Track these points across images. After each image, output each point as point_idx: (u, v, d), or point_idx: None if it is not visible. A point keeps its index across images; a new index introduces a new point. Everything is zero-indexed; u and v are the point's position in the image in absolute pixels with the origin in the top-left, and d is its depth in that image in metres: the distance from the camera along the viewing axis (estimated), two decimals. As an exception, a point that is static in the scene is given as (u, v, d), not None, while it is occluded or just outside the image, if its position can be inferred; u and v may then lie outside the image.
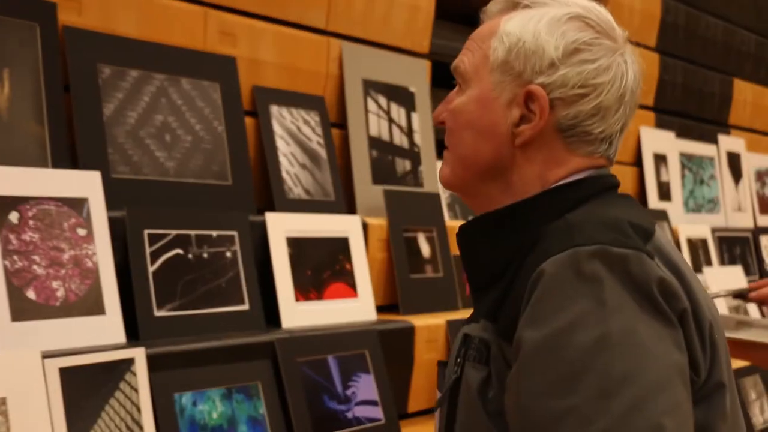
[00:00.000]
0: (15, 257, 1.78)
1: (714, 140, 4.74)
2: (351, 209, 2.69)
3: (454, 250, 2.87)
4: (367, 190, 2.74)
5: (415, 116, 2.98)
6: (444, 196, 3.02)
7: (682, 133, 4.55)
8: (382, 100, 2.87)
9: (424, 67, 3.06)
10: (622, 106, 1.14)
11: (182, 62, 2.29)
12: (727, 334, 1.43)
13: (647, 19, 4.28)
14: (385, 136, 2.86)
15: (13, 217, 1.80)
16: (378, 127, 2.84)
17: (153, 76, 2.23)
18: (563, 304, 0.97)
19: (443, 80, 3.27)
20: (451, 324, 2.59)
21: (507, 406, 1.03)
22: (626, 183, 4.14)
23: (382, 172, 2.81)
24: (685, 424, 0.97)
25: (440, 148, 3.05)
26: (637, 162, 4.23)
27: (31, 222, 1.83)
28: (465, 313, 2.39)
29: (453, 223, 2.94)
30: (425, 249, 2.77)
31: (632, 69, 1.16)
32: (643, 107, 4.30)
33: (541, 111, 1.11)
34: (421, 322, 2.53)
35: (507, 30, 1.14)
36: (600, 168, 1.16)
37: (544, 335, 0.97)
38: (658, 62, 4.36)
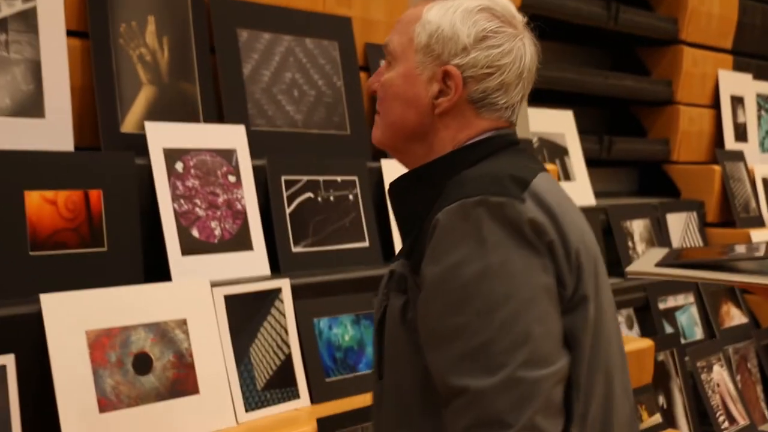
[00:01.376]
0: (181, 201, 2.08)
1: (791, 81, 4.85)
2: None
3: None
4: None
5: (508, 66, 3.19)
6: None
7: (760, 75, 4.67)
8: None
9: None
10: (521, 82, 1.38)
11: (306, 24, 2.54)
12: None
13: (728, -37, 4.38)
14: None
15: (179, 166, 2.10)
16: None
17: (282, 37, 2.48)
18: (453, 245, 1.26)
19: (543, 33, 3.49)
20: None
21: (418, 324, 1.32)
22: (704, 124, 4.31)
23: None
24: (551, 330, 1.25)
25: (532, 97, 3.27)
26: (715, 104, 4.37)
27: (192, 170, 2.12)
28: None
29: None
30: (519, 191, 3.01)
31: (529, 51, 1.39)
32: (721, 50, 4.43)
33: (455, 87, 1.35)
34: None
35: (428, 18, 1.37)
36: (502, 129, 1.40)
37: (440, 270, 1.26)
38: (737, 5, 4.47)
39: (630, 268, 2.14)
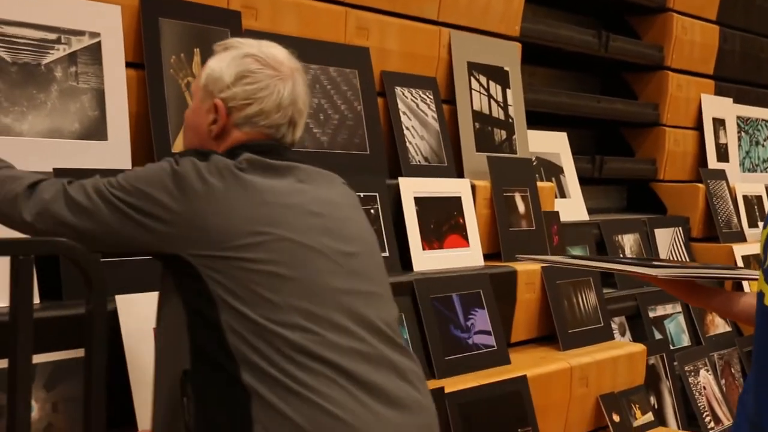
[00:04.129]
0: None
1: (769, 104, 5.15)
2: (459, 173, 3.19)
3: (545, 207, 3.37)
4: (472, 157, 3.25)
5: (509, 92, 3.47)
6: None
7: (740, 99, 4.97)
8: (483, 79, 3.36)
9: (516, 48, 3.53)
10: (282, 110, 1.71)
11: (329, 54, 2.80)
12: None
13: (709, -5, 4.69)
14: (485, 110, 3.36)
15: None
16: (480, 102, 3.33)
17: (309, 66, 2.74)
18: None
19: (536, 59, 3.77)
20: (544, 269, 3.10)
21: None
22: (688, 145, 4.60)
23: (483, 141, 3.31)
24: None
25: (529, 119, 3.55)
26: (698, 126, 4.66)
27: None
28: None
29: (543, 185, 3.44)
30: (521, 206, 3.27)
31: (289, 88, 1.72)
32: (703, 75, 4.73)
33: (221, 115, 1.70)
34: (521, 267, 3.04)
35: (209, 65, 1.74)
36: (255, 140, 1.70)
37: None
38: (718, 33, 4.77)
39: (521, 256, 2.48)
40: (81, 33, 2.20)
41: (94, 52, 2.22)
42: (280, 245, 1.56)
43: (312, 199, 1.65)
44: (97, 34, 2.22)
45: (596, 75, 4.60)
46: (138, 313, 1.97)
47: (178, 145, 2.36)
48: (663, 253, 4.18)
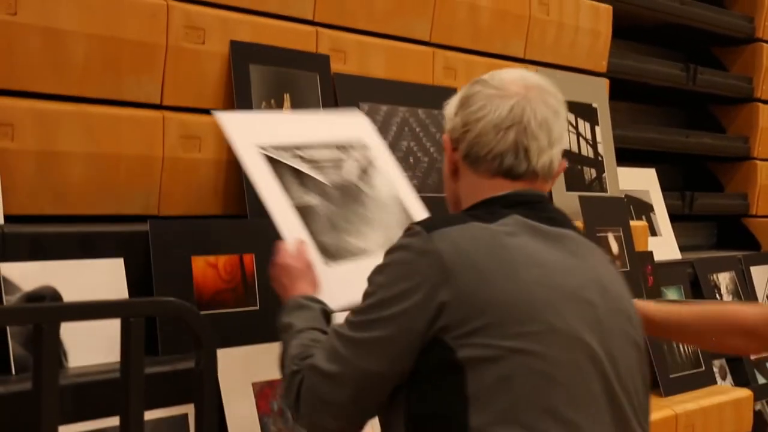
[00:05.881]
0: (321, 262, 2.26)
1: None
2: (550, 213, 3.09)
3: (638, 246, 3.25)
4: (563, 196, 3.15)
5: (597, 129, 3.37)
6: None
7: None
8: (571, 117, 3.27)
9: (604, 84, 3.44)
10: (501, 131, 1.52)
11: (417, 95, 2.75)
12: None
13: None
14: (574, 148, 3.26)
15: (317, 230, 2.28)
16: (569, 140, 3.24)
17: (398, 109, 2.69)
18: None
19: (619, 94, 3.68)
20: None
21: None
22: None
23: (573, 180, 3.21)
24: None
25: (619, 156, 3.44)
26: (790, 158, 4.49)
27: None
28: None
29: (635, 224, 3.32)
30: (614, 246, 3.15)
31: (509, 105, 1.52)
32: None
33: (447, 148, 1.59)
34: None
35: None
36: (511, 191, 1.53)
37: None
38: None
39: None
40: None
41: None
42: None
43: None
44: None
45: (682, 108, 4.46)
46: (236, 368, 1.92)
47: (270, 193, 2.31)
48: (760, 292, 4.01)
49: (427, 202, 2.68)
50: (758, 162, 4.30)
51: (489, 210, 1.51)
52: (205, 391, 1.39)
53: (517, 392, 1.36)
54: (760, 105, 4.31)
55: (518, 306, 1.40)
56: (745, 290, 3.93)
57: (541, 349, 1.38)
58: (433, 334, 1.39)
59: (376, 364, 1.43)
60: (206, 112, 2.28)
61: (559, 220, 1.55)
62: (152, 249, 1.97)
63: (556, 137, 1.55)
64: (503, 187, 1.54)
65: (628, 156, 3.78)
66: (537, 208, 1.53)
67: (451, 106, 1.60)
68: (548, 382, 1.37)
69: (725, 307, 1.91)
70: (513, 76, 1.58)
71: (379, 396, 1.46)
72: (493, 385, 1.36)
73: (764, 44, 4.31)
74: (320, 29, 2.53)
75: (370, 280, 1.48)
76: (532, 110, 1.52)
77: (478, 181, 1.56)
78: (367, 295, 1.47)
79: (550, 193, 3.11)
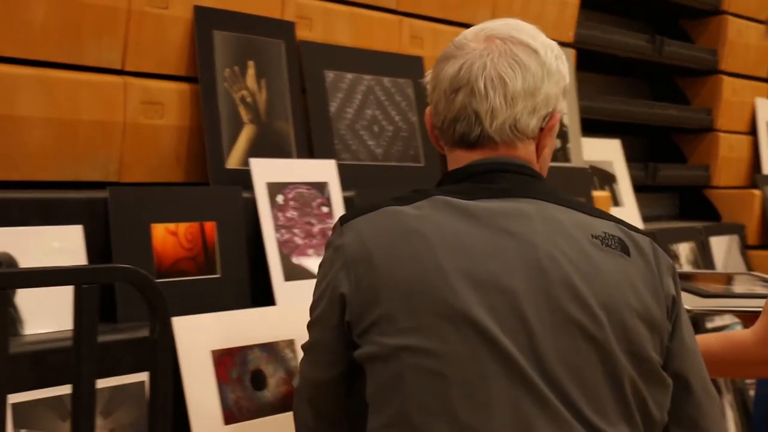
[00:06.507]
0: (282, 230, 2.26)
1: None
2: (514, 183, 3.11)
3: (600, 217, 3.27)
4: (527, 167, 3.16)
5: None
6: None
7: (795, 102, 4.83)
8: (537, 87, 3.27)
9: (570, 55, 3.44)
10: (451, 95, 1.42)
11: (383, 64, 2.73)
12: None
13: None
14: (539, 118, 3.27)
15: (279, 198, 2.28)
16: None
17: (363, 77, 2.68)
18: None
19: (586, 65, 3.68)
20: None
21: None
22: (742, 151, 4.47)
23: (537, 150, 3.22)
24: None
25: (584, 127, 3.46)
26: (752, 131, 4.54)
27: (291, 202, 2.30)
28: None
29: (598, 194, 3.35)
30: (576, 217, 3.18)
31: (457, 66, 1.42)
32: (758, 79, 4.60)
33: (427, 124, 1.53)
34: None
35: None
36: (476, 160, 1.44)
37: None
38: (773, 35, 4.64)
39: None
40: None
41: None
42: None
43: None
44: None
45: (647, 80, 4.48)
46: (194, 336, 1.92)
47: (232, 160, 2.31)
48: (719, 262, 4.07)
49: (392, 170, 2.69)
50: (720, 134, 4.35)
51: (424, 189, 1.42)
52: (159, 360, 1.40)
53: (409, 393, 1.27)
54: (724, 77, 4.34)
55: (412, 298, 1.29)
56: (704, 260, 3.99)
57: (434, 346, 1.27)
58: (347, 333, 1.36)
59: (314, 372, 1.45)
60: (169, 78, 2.26)
61: (512, 189, 1.39)
62: (111, 216, 1.96)
63: (519, 93, 1.39)
64: (461, 159, 1.44)
65: (593, 127, 3.80)
66: (484, 179, 1.40)
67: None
68: (442, 381, 1.27)
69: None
70: (477, 28, 1.47)
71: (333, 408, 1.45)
72: (387, 385, 1.30)
73: (729, 16, 4.33)
74: (286, -5, 2.51)
75: None
76: (482, 66, 1.39)
77: (448, 154, 1.48)
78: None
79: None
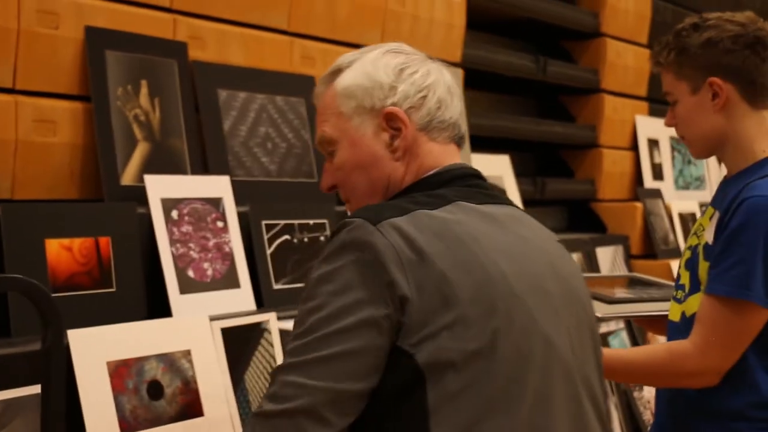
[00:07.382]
0: (178, 245, 2.31)
1: (700, 124, 5.29)
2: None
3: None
4: (418, 182, 3.28)
5: (452, 117, 3.52)
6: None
7: (672, 119, 5.10)
8: (426, 105, 3.41)
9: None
10: (453, 96, 1.45)
11: (276, 83, 2.82)
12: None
13: (640, 18, 4.82)
14: (429, 135, 3.40)
15: (174, 214, 2.34)
16: (424, 127, 3.37)
17: (256, 96, 2.75)
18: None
19: (474, 84, 3.84)
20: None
21: None
22: (625, 165, 4.71)
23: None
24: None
25: (474, 144, 3.60)
26: (633, 146, 4.79)
27: (186, 218, 2.36)
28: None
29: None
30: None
31: (444, 70, 1.47)
32: (637, 98, 4.86)
33: (403, 122, 1.41)
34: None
35: (343, 85, 1.43)
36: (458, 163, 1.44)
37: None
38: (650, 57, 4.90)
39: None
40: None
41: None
42: None
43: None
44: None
45: (533, 98, 4.69)
46: (90, 348, 1.96)
47: (127, 176, 2.35)
48: (605, 272, 4.27)
49: (286, 186, 2.77)
50: (604, 149, 4.57)
51: (427, 192, 1.38)
52: (52, 371, 1.43)
53: (485, 398, 1.24)
54: (605, 96, 4.57)
55: (482, 302, 1.27)
56: (591, 270, 4.18)
57: (507, 350, 1.26)
58: (395, 341, 1.25)
59: (343, 384, 1.25)
60: (62, 97, 2.30)
61: (498, 195, 1.45)
62: (3, 232, 1.98)
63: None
64: (454, 156, 1.45)
65: (483, 143, 3.96)
66: (475, 185, 1.42)
67: (377, 76, 1.41)
68: (517, 387, 1.27)
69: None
70: (407, 47, 1.52)
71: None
72: (460, 391, 1.24)
73: (608, 39, 4.57)
74: (178, 17, 2.57)
75: (311, 291, 1.29)
76: (448, 73, 1.47)
77: (437, 151, 1.44)
78: (313, 309, 1.28)
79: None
